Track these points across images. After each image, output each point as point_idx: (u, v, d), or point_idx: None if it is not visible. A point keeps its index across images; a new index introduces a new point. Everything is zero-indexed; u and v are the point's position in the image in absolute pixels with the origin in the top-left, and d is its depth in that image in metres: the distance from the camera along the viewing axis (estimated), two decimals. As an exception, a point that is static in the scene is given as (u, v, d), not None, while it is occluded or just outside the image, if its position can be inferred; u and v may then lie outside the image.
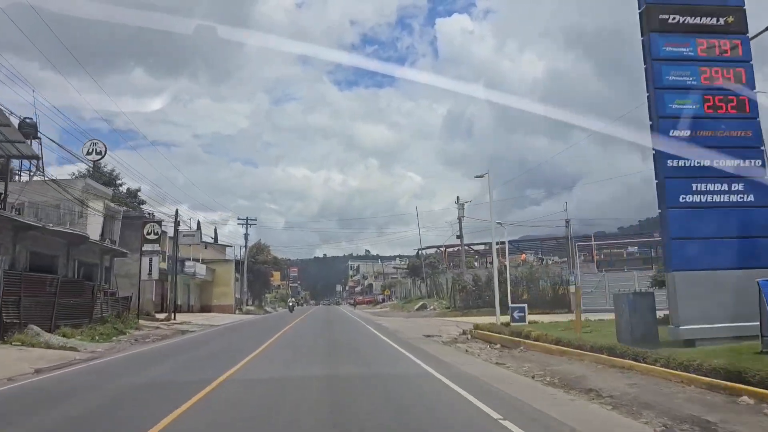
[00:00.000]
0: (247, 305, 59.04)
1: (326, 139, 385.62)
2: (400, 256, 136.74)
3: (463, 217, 37.60)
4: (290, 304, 51.71)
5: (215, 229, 73.90)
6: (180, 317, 37.61)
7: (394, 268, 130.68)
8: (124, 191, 52.29)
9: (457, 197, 37.98)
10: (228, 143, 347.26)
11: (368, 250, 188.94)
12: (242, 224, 56.56)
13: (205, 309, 55.90)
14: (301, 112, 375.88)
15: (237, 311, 56.06)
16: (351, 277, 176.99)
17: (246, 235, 56.13)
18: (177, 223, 34.18)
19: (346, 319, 37.05)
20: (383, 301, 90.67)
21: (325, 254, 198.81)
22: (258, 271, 59.71)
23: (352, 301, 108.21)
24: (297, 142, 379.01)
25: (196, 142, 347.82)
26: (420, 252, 55.78)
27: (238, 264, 57.94)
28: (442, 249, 60.55)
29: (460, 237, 37.90)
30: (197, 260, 54.99)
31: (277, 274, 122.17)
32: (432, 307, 42.15)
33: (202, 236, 66.15)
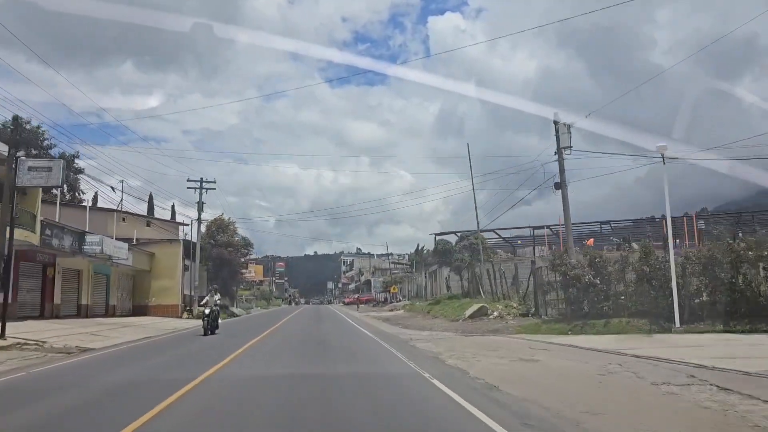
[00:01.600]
0: (201, 305, 41.32)
1: (317, 136, 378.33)
2: (398, 254, 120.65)
3: (570, 149, 20.31)
4: (206, 311, 20.80)
5: (173, 206, 56.60)
6: (43, 330, 20.23)
7: (392, 263, 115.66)
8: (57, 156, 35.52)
9: (555, 115, 20.64)
10: (218, 139, 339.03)
11: (359, 248, 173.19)
12: (194, 188, 38.71)
13: (138, 311, 38.32)
14: (291, 109, 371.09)
15: (185, 314, 38.49)
16: (344, 273, 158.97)
17: (200, 205, 38.28)
18: (14, 140, 16.52)
19: (359, 343, 19.26)
20: (387, 300, 73.27)
21: (315, 252, 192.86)
22: (220, 258, 42.06)
23: (352, 300, 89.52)
24: (287, 138, 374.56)
25: (186, 138, 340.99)
26: (474, 231, 38.11)
27: (190, 248, 40.26)
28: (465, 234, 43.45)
29: (560, 185, 20.56)
30: (129, 240, 37.38)
31: (258, 268, 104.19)
32: (495, 314, 24.80)
33: (125, 208, 48.45)
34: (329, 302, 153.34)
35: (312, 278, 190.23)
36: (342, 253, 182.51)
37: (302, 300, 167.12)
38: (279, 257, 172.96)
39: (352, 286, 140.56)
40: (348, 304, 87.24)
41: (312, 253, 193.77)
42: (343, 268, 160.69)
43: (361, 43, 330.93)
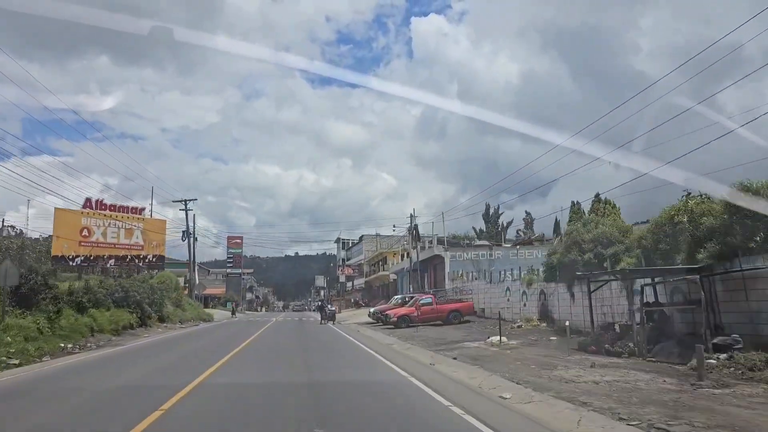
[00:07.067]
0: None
1: (297, 137, 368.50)
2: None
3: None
4: None
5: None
6: None
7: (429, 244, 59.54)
8: None
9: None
10: (196, 138, 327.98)
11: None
12: None
13: None
14: (272, 109, 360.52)
15: None
16: (343, 262, 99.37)
17: None
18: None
19: None
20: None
21: (296, 252, 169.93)
22: None
23: (448, 305, 28.74)
24: (267, 138, 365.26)
25: (164, 136, 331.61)
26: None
27: None
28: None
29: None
30: None
31: (155, 225, 44.43)
32: None
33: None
34: (319, 307, 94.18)
35: (292, 277, 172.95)
36: (324, 255, 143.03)
37: (279, 303, 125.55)
38: (259, 257, 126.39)
39: (361, 281, 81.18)
40: (422, 320, 26.75)
41: (293, 254, 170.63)
42: (342, 254, 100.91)
43: (344, 45, 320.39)
